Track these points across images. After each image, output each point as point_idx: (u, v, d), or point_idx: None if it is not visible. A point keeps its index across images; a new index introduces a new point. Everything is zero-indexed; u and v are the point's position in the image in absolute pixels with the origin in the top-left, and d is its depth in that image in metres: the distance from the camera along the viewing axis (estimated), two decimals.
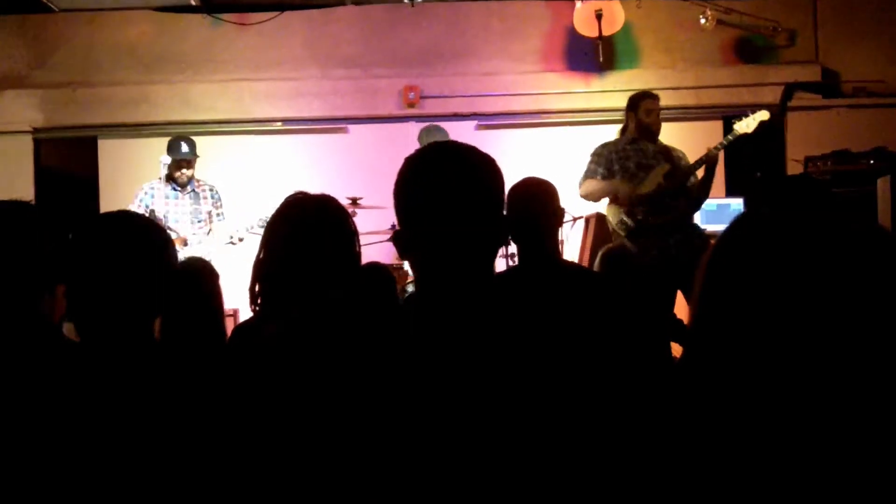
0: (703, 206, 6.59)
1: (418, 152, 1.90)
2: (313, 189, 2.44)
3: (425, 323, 1.79)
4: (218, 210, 7.30)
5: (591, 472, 1.64)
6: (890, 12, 8.29)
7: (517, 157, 7.98)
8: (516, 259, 5.35)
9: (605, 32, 7.90)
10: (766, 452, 1.26)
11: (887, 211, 6.20)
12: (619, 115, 7.97)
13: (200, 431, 1.98)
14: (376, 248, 6.96)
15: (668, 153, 6.19)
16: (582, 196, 6.17)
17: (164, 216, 6.96)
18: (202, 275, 3.45)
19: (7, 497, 2.04)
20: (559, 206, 3.69)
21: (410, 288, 6.57)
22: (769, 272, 1.29)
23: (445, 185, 1.81)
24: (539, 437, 1.66)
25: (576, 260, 7.06)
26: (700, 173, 6.15)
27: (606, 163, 6.18)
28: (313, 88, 8.48)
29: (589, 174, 6.17)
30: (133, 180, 7.42)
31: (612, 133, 6.83)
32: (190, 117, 8.34)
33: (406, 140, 8.26)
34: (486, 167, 1.87)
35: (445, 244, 1.80)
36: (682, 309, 5.56)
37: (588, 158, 6.23)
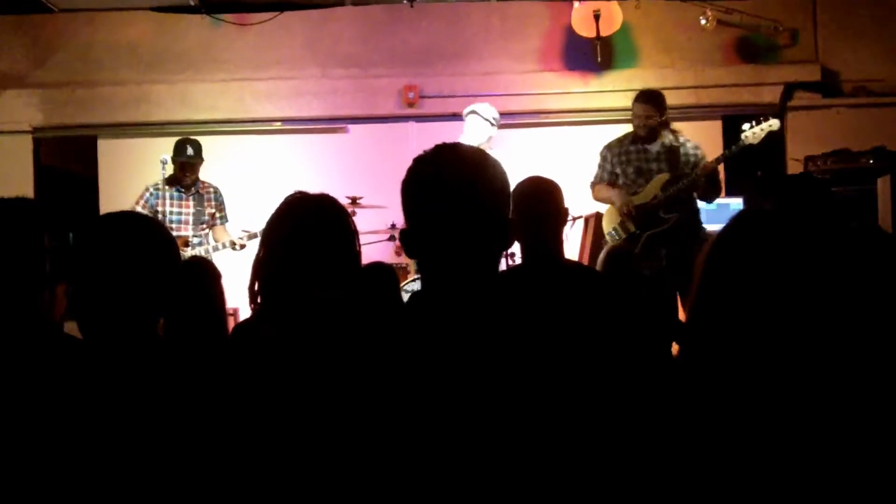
0: (704, 204, 6.60)
1: (425, 154, 1.91)
2: (313, 188, 2.44)
3: (429, 322, 1.80)
4: (221, 212, 7.31)
5: (595, 468, 1.64)
6: (889, 12, 8.28)
7: (516, 156, 7.97)
8: (516, 259, 5.36)
9: (603, 33, 7.89)
10: (764, 448, 1.26)
11: (887, 210, 6.20)
12: (618, 115, 8.00)
13: (202, 430, 1.98)
14: (376, 247, 6.96)
15: (673, 154, 6.16)
16: (595, 199, 6.24)
17: (168, 217, 6.97)
18: (205, 274, 3.46)
19: (8, 496, 2.04)
20: (563, 206, 3.69)
21: (410, 287, 6.57)
22: (767, 269, 1.30)
23: (450, 188, 1.82)
24: (542, 436, 1.67)
25: (575, 259, 7.05)
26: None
27: (610, 166, 6.21)
28: (313, 88, 8.48)
29: (597, 178, 6.22)
30: (133, 180, 7.41)
31: (610, 133, 6.83)
32: (190, 117, 8.33)
33: (406, 139, 8.27)
34: (490, 169, 1.88)
35: (450, 246, 1.80)
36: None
37: (599, 157, 6.29)
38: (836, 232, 1.32)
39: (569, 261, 3.97)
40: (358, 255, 2.33)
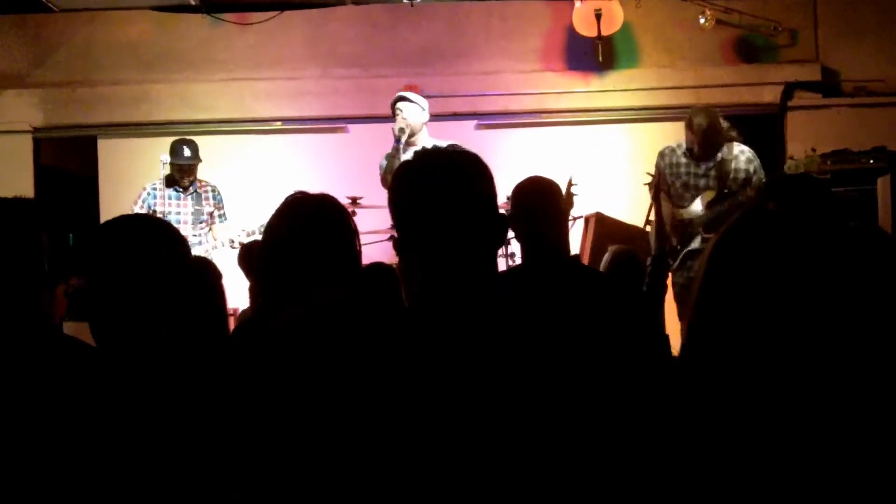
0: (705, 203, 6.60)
1: (406, 163, 1.93)
2: (313, 188, 2.44)
3: (430, 322, 1.80)
4: (220, 211, 7.31)
5: (597, 467, 1.64)
6: (890, 11, 8.28)
7: (517, 156, 7.97)
8: (516, 259, 5.36)
9: (605, 32, 7.89)
10: (765, 444, 1.26)
11: (887, 210, 6.20)
12: (619, 115, 8.01)
13: (204, 428, 1.98)
14: (376, 247, 6.96)
15: (722, 168, 5.99)
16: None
17: (166, 217, 6.96)
18: (206, 274, 3.46)
19: (8, 497, 2.04)
20: (561, 206, 3.69)
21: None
22: (768, 268, 1.30)
23: (433, 191, 1.83)
24: (544, 436, 1.66)
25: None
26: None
27: (660, 175, 6.06)
28: (313, 88, 8.48)
29: (651, 186, 6.03)
30: (133, 180, 7.42)
31: (611, 133, 6.83)
32: (190, 117, 8.33)
33: None
34: (472, 168, 1.89)
35: (442, 248, 1.81)
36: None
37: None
38: (836, 232, 1.31)
39: (571, 258, 3.96)
40: (358, 254, 2.33)
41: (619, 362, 1.85)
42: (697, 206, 5.98)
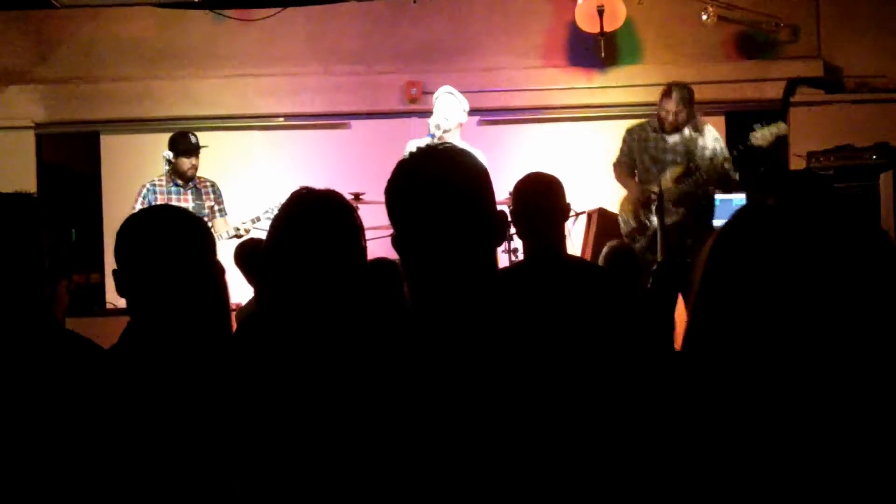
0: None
1: (402, 162, 1.94)
2: (315, 184, 2.44)
3: (432, 319, 1.80)
4: (220, 206, 7.30)
5: (598, 465, 1.64)
6: (892, 7, 8.27)
7: (519, 152, 7.98)
8: (519, 255, 5.36)
9: (607, 28, 7.88)
10: (765, 442, 1.26)
11: (890, 206, 6.20)
12: (622, 111, 8.00)
13: (205, 424, 1.98)
14: (378, 243, 6.95)
15: (690, 146, 6.17)
16: (615, 179, 6.29)
17: None
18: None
19: (9, 494, 2.05)
20: (565, 202, 3.69)
21: None
22: (769, 264, 1.30)
23: (427, 188, 1.84)
24: (545, 433, 1.67)
25: (578, 255, 7.05)
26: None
27: (629, 150, 6.25)
28: (315, 84, 8.48)
29: (618, 159, 6.28)
30: (135, 176, 7.42)
31: (613, 129, 6.84)
32: (192, 113, 8.34)
33: (408, 135, 8.25)
34: (468, 164, 1.90)
35: (441, 246, 1.81)
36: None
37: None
38: (838, 227, 1.31)
39: (571, 256, 3.97)
40: (364, 250, 2.33)
41: (618, 359, 1.85)
42: (664, 182, 6.08)
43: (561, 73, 8.49)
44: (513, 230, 3.62)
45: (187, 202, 7.12)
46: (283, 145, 8.56)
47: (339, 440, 1.75)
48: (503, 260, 6.45)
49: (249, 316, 4.70)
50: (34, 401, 2.10)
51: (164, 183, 7.07)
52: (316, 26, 8.52)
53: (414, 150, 1.97)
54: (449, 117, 6.47)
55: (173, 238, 2.20)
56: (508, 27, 8.52)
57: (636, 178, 6.33)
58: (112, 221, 7.91)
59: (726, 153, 6.25)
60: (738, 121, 8.41)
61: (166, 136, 7.21)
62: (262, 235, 5.03)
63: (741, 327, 1.31)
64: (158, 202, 6.99)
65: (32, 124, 8.47)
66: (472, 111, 8.36)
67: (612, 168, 6.50)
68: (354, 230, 2.31)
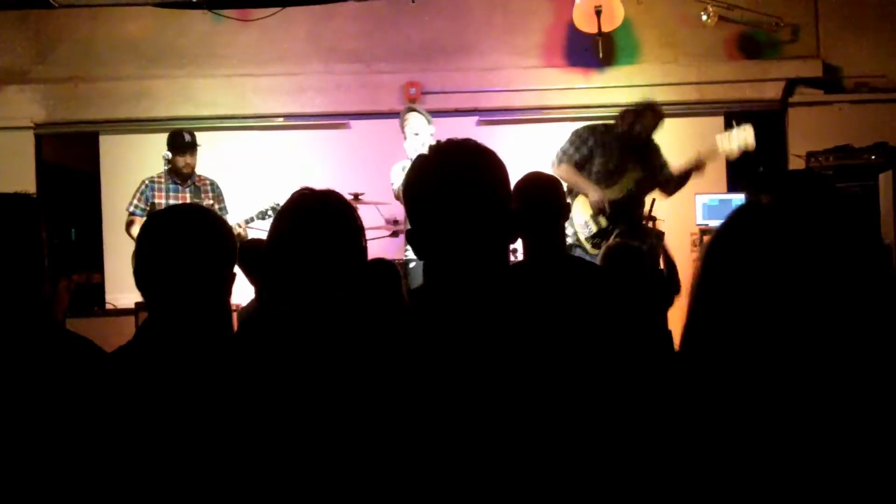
0: (706, 200, 6.63)
1: (422, 155, 1.93)
2: (315, 184, 2.44)
3: (435, 317, 1.80)
4: (220, 204, 7.29)
5: (599, 463, 1.64)
6: (892, 7, 8.28)
7: (518, 152, 7.97)
8: (518, 254, 5.36)
9: (605, 28, 7.89)
10: (763, 442, 1.26)
11: (889, 206, 6.21)
12: (620, 111, 7.98)
13: (203, 424, 1.98)
14: (378, 243, 6.95)
15: (646, 149, 6.20)
16: (556, 174, 6.18)
17: None
18: None
19: (8, 490, 2.05)
20: (564, 202, 3.69)
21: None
22: (767, 262, 1.30)
23: (451, 183, 1.83)
24: (546, 431, 1.67)
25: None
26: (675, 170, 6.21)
27: (587, 150, 6.15)
28: (315, 83, 8.48)
29: (567, 155, 6.15)
30: (134, 176, 7.41)
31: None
32: (192, 112, 8.33)
33: None
34: (490, 162, 1.89)
35: (458, 241, 1.81)
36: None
37: (569, 136, 6.22)
38: (835, 228, 1.32)
39: (570, 256, 3.97)
40: (364, 251, 2.34)
41: (616, 357, 1.85)
42: (624, 186, 6.09)
43: (560, 73, 8.49)
44: None
45: (185, 200, 7.11)
46: (283, 145, 8.56)
47: (339, 437, 1.75)
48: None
49: (250, 315, 4.70)
50: (33, 400, 2.10)
51: (162, 180, 7.06)
52: (315, 26, 8.52)
53: (424, 151, 1.96)
54: (426, 142, 6.50)
55: (201, 239, 2.20)
56: (508, 27, 8.52)
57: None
58: (111, 221, 7.92)
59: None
60: (737, 121, 8.41)
61: (166, 136, 7.21)
62: (259, 235, 5.04)
63: (738, 326, 1.31)
64: (157, 199, 6.98)
65: (31, 124, 8.46)
66: (471, 111, 8.39)
67: (555, 162, 6.26)
68: (354, 230, 2.31)
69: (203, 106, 8.39)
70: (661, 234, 6.13)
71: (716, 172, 7.87)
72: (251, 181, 8.12)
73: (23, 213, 2.35)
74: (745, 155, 6.39)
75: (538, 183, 3.64)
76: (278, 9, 8.28)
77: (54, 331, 2.33)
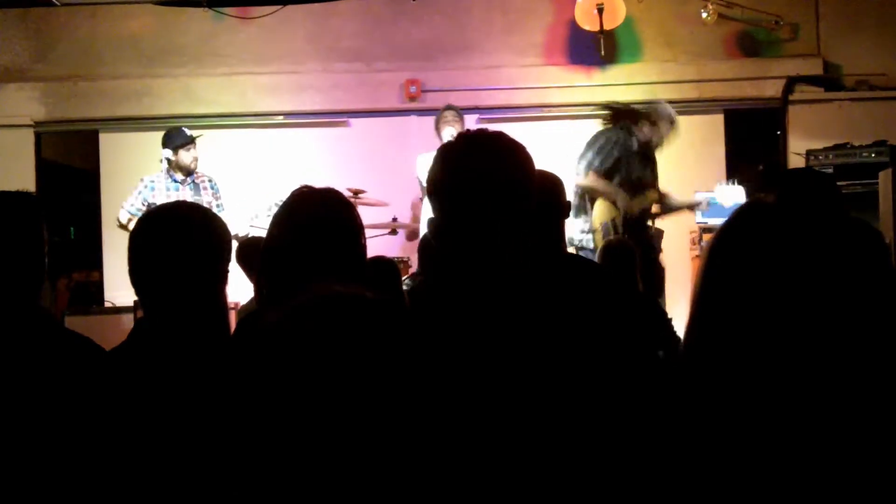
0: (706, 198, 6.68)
1: (454, 142, 1.91)
2: (315, 182, 2.44)
3: (437, 315, 1.80)
4: (218, 201, 7.27)
5: (602, 460, 1.64)
6: (891, 5, 8.27)
7: None
8: None
9: (607, 26, 7.89)
10: (764, 441, 1.26)
11: (889, 204, 6.20)
12: None
13: (200, 423, 1.98)
14: (378, 241, 6.96)
15: (655, 166, 6.28)
16: (585, 185, 6.21)
17: None
18: None
19: (5, 488, 2.05)
20: (565, 200, 3.68)
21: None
22: (770, 261, 1.30)
23: (479, 173, 1.82)
24: (547, 430, 1.67)
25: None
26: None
27: (615, 159, 6.19)
28: (315, 82, 8.48)
29: (594, 166, 6.20)
30: (134, 174, 7.41)
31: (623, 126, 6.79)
32: (192, 111, 8.33)
33: (408, 134, 8.26)
34: (518, 156, 1.89)
35: (486, 233, 1.81)
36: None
37: (596, 146, 6.26)
38: (837, 226, 1.31)
39: (570, 254, 3.96)
40: (363, 248, 2.33)
41: (615, 356, 1.85)
42: (644, 202, 6.13)
43: (560, 71, 8.48)
44: None
45: (185, 198, 7.09)
46: (283, 143, 8.56)
47: (339, 437, 1.75)
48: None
49: (249, 314, 4.69)
50: (27, 398, 2.10)
51: (162, 179, 7.05)
52: (315, 24, 8.51)
53: (451, 138, 1.94)
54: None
55: (195, 237, 2.19)
56: (508, 25, 8.51)
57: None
58: (111, 219, 7.91)
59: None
60: (739, 119, 8.42)
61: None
62: (260, 233, 5.02)
63: (741, 324, 1.31)
64: (157, 199, 6.97)
65: (31, 122, 8.46)
66: (472, 109, 8.38)
67: (590, 172, 6.33)
68: (354, 229, 2.31)
69: (203, 104, 8.38)
70: (660, 232, 6.17)
71: (715, 171, 7.87)
72: (251, 179, 8.11)
73: (23, 212, 2.35)
74: (745, 154, 6.41)
75: (540, 180, 3.63)
76: (279, 7, 8.27)
77: (52, 329, 2.33)
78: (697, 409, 1.35)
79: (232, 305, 6.61)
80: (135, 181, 7.16)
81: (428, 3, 8.39)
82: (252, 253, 4.44)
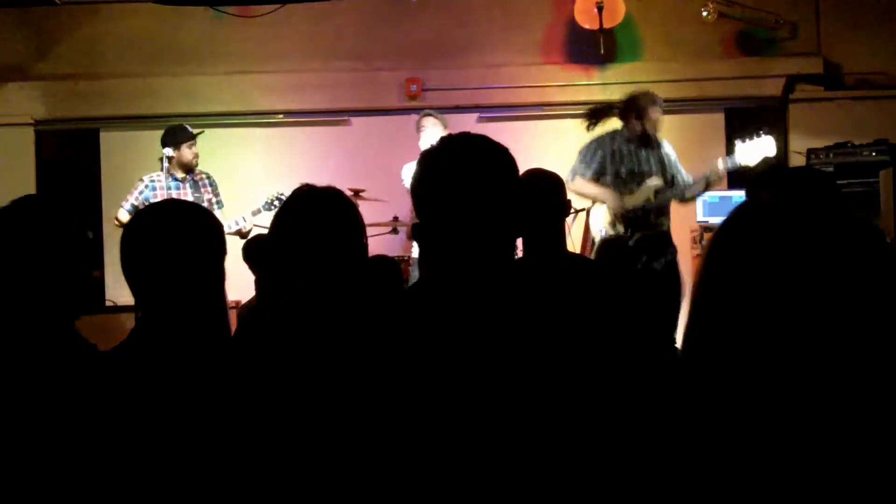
0: (706, 197, 6.65)
1: (435, 146, 1.92)
2: (316, 181, 2.44)
3: (433, 314, 1.80)
4: (217, 198, 7.26)
5: (597, 459, 1.65)
6: (892, 4, 8.27)
7: (518, 149, 7.89)
8: (518, 251, 5.36)
9: (606, 25, 7.89)
10: (763, 442, 1.26)
11: (889, 203, 6.20)
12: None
13: (202, 424, 1.98)
14: (379, 240, 6.96)
15: (659, 155, 6.19)
16: (573, 191, 6.18)
17: None
18: None
19: (6, 489, 2.05)
20: (565, 199, 3.68)
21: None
22: (768, 260, 1.30)
23: (461, 178, 1.83)
24: (542, 430, 1.67)
25: (578, 251, 7.05)
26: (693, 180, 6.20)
27: (600, 161, 6.17)
28: (316, 81, 8.48)
29: (578, 171, 6.17)
30: (135, 173, 7.41)
31: (613, 126, 6.80)
32: (192, 110, 8.31)
33: (408, 132, 8.25)
34: (499, 157, 1.89)
35: (464, 236, 1.81)
36: None
37: (579, 154, 6.24)
38: (836, 223, 1.32)
39: (571, 253, 3.96)
40: (365, 248, 2.34)
41: (613, 356, 1.85)
42: (643, 194, 6.07)
43: (560, 69, 8.48)
44: None
45: (186, 196, 7.09)
46: (283, 142, 8.56)
47: (338, 436, 1.75)
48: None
49: (250, 311, 4.70)
50: (24, 400, 2.11)
51: (162, 178, 7.04)
52: (316, 23, 8.51)
53: (437, 142, 1.95)
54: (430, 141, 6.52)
55: (186, 235, 2.18)
56: (508, 24, 8.51)
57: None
58: (112, 218, 7.92)
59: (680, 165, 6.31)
60: (739, 118, 8.41)
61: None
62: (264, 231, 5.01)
63: (740, 324, 1.31)
64: (158, 198, 6.95)
65: (32, 121, 8.47)
66: (472, 108, 8.38)
67: (576, 177, 6.24)
68: (355, 227, 2.31)
69: (203, 103, 8.38)
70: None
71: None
72: (252, 178, 8.12)
73: (45, 215, 2.37)
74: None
75: (539, 180, 3.63)
76: (278, 6, 8.27)
77: (57, 332, 2.33)
78: (696, 408, 1.35)
79: (232, 304, 6.62)
80: (135, 180, 7.16)
81: (428, 1, 8.39)
82: (259, 251, 4.44)
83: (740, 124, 8.18)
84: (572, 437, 1.69)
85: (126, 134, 8.53)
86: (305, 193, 2.33)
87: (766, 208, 1.38)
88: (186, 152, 7.00)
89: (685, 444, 1.34)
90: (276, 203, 6.93)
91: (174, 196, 6.99)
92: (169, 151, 6.98)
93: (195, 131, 7.10)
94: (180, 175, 7.05)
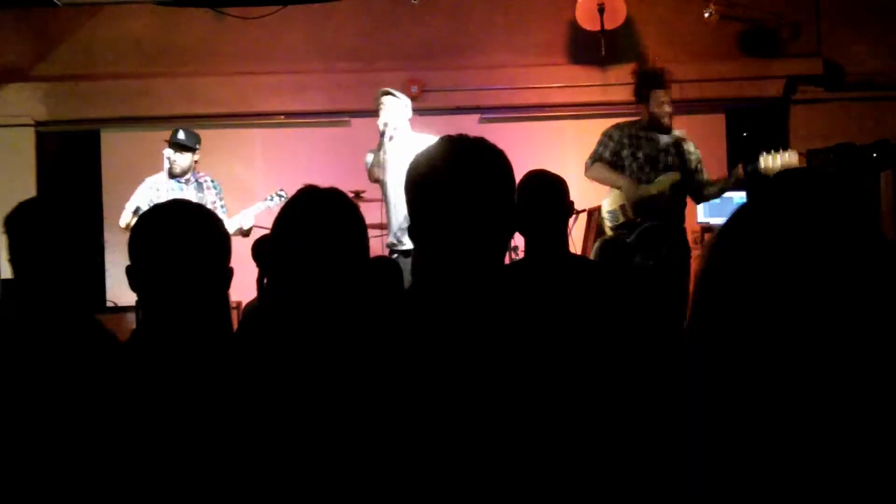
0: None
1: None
2: (316, 182, 2.44)
3: (431, 315, 1.80)
4: (221, 201, 7.27)
5: (596, 459, 1.65)
6: (893, 4, 8.28)
7: (520, 150, 7.94)
8: (519, 252, 5.36)
9: (608, 26, 7.90)
10: (763, 442, 1.26)
11: (890, 204, 6.20)
12: (623, 109, 7.99)
13: (206, 420, 1.98)
14: (379, 241, 6.96)
15: (680, 149, 6.14)
16: (589, 178, 6.17)
17: None
18: None
19: (9, 486, 2.05)
20: (569, 200, 3.68)
21: None
22: (769, 262, 1.30)
23: (451, 180, 1.83)
24: (542, 430, 1.67)
25: (579, 252, 7.05)
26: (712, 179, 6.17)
27: (616, 148, 6.14)
28: (316, 82, 8.48)
29: (597, 157, 6.15)
30: (135, 174, 7.41)
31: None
32: (192, 111, 8.33)
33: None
34: (490, 157, 1.89)
35: (456, 238, 1.81)
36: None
37: (598, 138, 6.21)
38: (839, 226, 1.31)
39: (573, 254, 3.96)
40: (366, 248, 2.34)
41: (616, 356, 1.85)
42: (661, 184, 6.03)
43: (562, 70, 8.49)
44: None
45: (190, 197, 7.08)
46: (284, 143, 8.56)
47: (337, 436, 1.75)
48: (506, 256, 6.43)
49: (252, 311, 4.70)
50: (34, 391, 2.12)
51: (165, 180, 7.04)
52: (316, 24, 8.52)
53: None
54: (389, 122, 6.49)
55: (192, 235, 2.19)
56: (509, 25, 8.52)
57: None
58: (112, 219, 7.92)
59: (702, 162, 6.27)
60: (739, 118, 8.42)
61: (166, 134, 7.20)
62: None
63: (741, 325, 1.31)
64: (161, 199, 6.95)
65: (32, 122, 8.47)
66: (473, 109, 8.38)
67: (586, 168, 6.26)
68: (357, 229, 2.31)
69: (204, 104, 8.39)
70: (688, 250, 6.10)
71: (716, 171, 7.87)
72: (252, 180, 8.12)
73: (64, 214, 2.42)
74: (747, 153, 6.37)
75: (542, 181, 3.64)
76: (279, 7, 8.27)
77: (76, 324, 2.36)
78: (696, 408, 1.35)
79: (234, 304, 6.62)
80: (136, 180, 7.15)
81: (429, 2, 8.40)
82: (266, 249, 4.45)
83: (741, 125, 8.19)
84: (569, 438, 1.69)
85: (126, 134, 8.53)
86: (308, 194, 2.33)
87: (766, 209, 1.37)
88: (170, 157, 7.01)
89: (685, 444, 1.34)
90: (276, 197, 6.95)
91: (177, 197, 6.98)
92: (169, 152, 6.97)
93: (180, 141, 7.09)
94: (184, 176, 7.05)
